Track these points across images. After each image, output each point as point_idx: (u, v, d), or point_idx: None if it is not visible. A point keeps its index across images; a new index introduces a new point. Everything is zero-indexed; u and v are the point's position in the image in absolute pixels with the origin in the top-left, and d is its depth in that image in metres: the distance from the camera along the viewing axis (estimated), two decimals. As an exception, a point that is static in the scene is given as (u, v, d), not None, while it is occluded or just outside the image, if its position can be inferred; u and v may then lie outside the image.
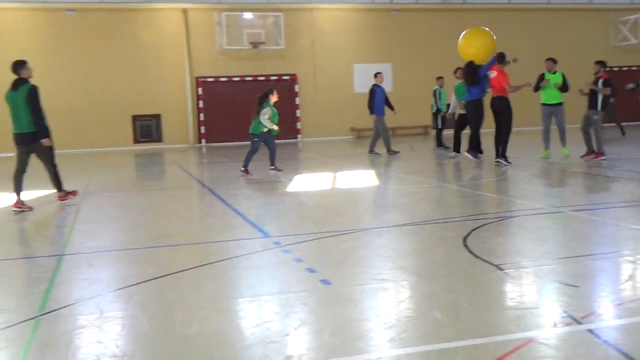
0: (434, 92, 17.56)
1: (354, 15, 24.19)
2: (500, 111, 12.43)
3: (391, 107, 16.12)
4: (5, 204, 9.85)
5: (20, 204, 9.04)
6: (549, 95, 13.13)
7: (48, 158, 9.21)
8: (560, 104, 13.10)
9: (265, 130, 12.20)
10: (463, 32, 13.12)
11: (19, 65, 8.96)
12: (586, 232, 6.64)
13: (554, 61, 13.28)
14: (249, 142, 12.66)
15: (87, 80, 21.80)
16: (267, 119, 12.07)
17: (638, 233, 6.45)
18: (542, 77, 13.21)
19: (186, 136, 23.14)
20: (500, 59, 12.72)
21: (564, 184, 10.56)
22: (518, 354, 3.46)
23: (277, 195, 9.97)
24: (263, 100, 12.12)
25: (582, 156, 13.07)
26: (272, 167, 12.64)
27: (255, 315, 4.30)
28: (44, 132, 8.98)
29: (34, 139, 8.93)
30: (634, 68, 26.21)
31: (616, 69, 26.13)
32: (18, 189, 9.09)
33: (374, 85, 16.14)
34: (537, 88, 13.16)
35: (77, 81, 21.71)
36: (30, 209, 9.09)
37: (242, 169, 12.23)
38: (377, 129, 16.01)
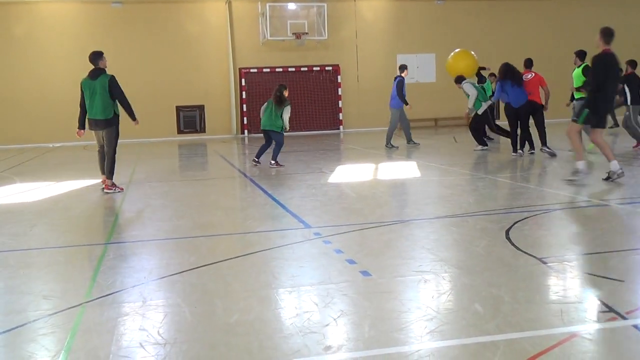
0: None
1: (397, 5, 24.00)
2: (534, 112, 12.71)
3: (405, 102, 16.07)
4: (47, 193, 10.12)
5: (111, 185, 9.84)
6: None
7: (113, 143, 9.79)
8: (580, 98, 12.72)
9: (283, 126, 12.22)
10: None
11: (97, 56, 9.59)
12: (632, 226, 6.49)
13: (578, 54, 12.98)
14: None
15: (133, 72, 22.13)
16: (288, 118, 12.16)
17: (689, 227, 6.28)
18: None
19: (229, 127, 23.35)
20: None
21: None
22: (561, 349, 3.41)
23: (319, 186, 9.99)
24: (282, 98, 12.14)
25: (634, 147, 13.00)
26: (273, 163, 12.42)
27: (295, 305, 4.33)
28: (131, 115, 9.97)
29: (106, 124, 9.62)
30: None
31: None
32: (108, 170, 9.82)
33: (399, 77, 15.91)
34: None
35: (122, 72, 21.79)
36: (122, 189, 9.84)
37: (273, 162, 12.25)
38: (398, 120, 15.91)
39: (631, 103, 13.29)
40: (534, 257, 5.23)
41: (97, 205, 9.20)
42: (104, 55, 9.68)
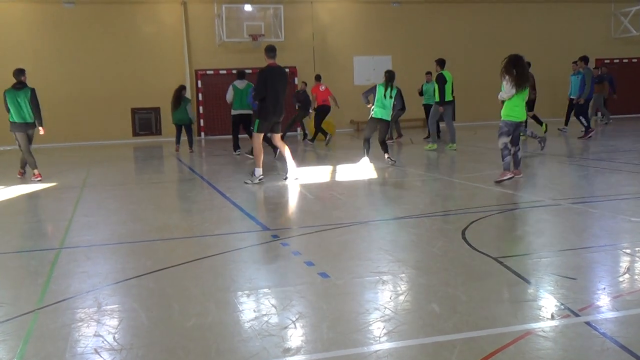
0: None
1: (354, 7, 24.11)
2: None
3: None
4: (6, 195, 9.87)
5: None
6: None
7: (30, 141, 11.67)
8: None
9: None
10: None
11: (20, 73, 11.50)
12: (584, 225, 6.64)
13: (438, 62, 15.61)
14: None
15: (86, 73, 21.73)
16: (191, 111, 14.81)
17: (636, 225, 6.45)
18: None
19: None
20: None
21: (562, 176, 10.54)
22: (516, 347, 3.47)
23: (276, 188, 9.97)
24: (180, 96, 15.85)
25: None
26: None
27: (253, 308, 4.30)
28: (40, 122, 11.70)
29: (33, 126, 11.61)
30: (634, 60, 26.14)
31: (617, 60, 26.10)
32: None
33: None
34: None
35: (76, 74, 21.64)
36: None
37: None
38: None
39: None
40: (490, 256, 5.32)
41: (49, 209, 9.01)
42: (26, 71, 11.69)
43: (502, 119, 9.28)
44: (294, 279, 4.91)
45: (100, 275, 5.24)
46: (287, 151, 10.34)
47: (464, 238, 5.97)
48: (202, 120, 23.12)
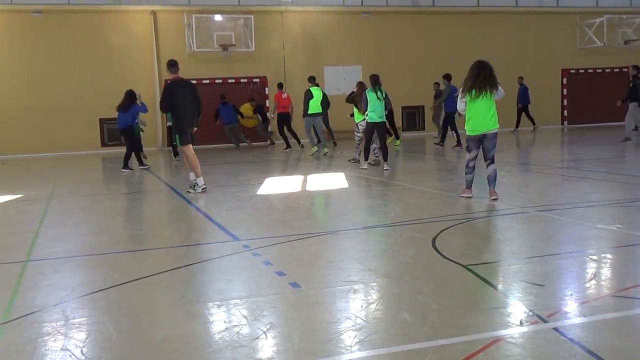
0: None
1: (324, 17, 24.19)
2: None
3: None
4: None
5: None
6: None
7: None
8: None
9: None
10: None
11: None
12: (551, 232, 6.72)
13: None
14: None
15: (55, 83, 21.44)
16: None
17: (602, 232, 6.57)
18: None
19: (155, 139, 22.90)
20: None
21: (529, 185, 10.67)
22: (485, 353, 3.50)
23: (247, 198, 9.94)
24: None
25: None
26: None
27: (224, 319, 4.27)
28: None
29: None
30: (598, 70, 26.65)
31: (582, 71, 26.60)
32: None
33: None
34: None
35: (44, 83, 21.33)
36: None
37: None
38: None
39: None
40: (460, 264, 5.36)
41: (15, 220, 8.84)
42: None
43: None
44: (265, 289, 4.89)
45: (67, 288, 5.16)
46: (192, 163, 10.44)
47: (434, 246, 6.01)
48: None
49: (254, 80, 23.42)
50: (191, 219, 8.32)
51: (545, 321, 3.94)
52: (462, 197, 8.74)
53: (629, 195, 8.83)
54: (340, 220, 8.10)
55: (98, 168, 17.72)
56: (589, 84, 25.93)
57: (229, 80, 22.95)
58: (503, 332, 3.81)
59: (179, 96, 10.06)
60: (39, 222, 8.34)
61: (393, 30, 24.65)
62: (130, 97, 14.81)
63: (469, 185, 8.75)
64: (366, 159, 13.12)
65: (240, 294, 4.86)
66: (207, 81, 22.71)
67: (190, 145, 10.34)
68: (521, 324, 3.94)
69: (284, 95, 19.09)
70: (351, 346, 3.70)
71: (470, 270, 5.16)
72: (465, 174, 8.73)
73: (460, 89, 8.50)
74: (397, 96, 23.39)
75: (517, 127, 23.51)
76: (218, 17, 22.62)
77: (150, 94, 22.62)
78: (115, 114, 15.33)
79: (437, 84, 20.21)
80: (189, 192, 10.27)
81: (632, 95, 16.50)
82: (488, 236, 6.84)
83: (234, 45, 22.67)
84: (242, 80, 23.33)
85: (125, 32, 22.29)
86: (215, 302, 4.61)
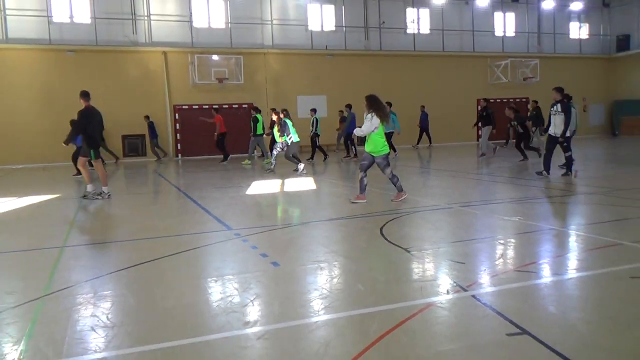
0: (312, 121, 17.97)
1: (297, 58, 24.19)
2: None
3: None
4: (11, 206, 9.41)
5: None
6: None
7: None
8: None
9: None
10: None
11: None
12: (470, 222, 6.82)
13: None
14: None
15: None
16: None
17: (507, 222, 6.67)
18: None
19: (167, 151, 22.59)
20: None
21: (454, 186, 10.80)
22: (421, 315, 3.53)
23: (238, 197, 9.86)
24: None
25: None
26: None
27: (220, 291, 4.23)
28: None
29: None
30: (504, 100, 27.16)
31: (492, 100, 27.05)
32: None
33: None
34: None
35: (77, 107, 20.78)
36: None
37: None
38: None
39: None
40: (401, 247, 5.40)
41: (54, 215, 8.63)
42: None
43: (380, 155, 8.03)
44: (252, 268, 4.86)
45: (96, 268, 5.06)
46: (88, 173, 10.20)
47: (382, 234, 6.04)
48: (178, 145, 22.76)
49: (243, 106, 23.30)
50: (194, 213, 8.22)
51: (465, 290, 3.99)
52: (360, 202, 8.22)
53: (527, 194, 9.01)
54: (309, 213, 8.08)
55: (120, 174, 17.40)
56: (499, 110, 26.38)
57: (224, 106, 22.77)
58: (434, 299, 3.85)
59: (94, 120, 9.84)
60: (73, 216, 8.16)
61: (350, 68, 24.78)
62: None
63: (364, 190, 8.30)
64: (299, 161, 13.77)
65: (232, 271, 4.82)
66: (207, 106, 22.53)
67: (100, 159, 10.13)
68: (447, 292, 3.99)
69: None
70: (319, 311, 3.70)
71: (409, 252, 5.20)
72: (398, 181, 8.41)
73: (373, 115, 7.79)
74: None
75: (417, 143, 23.75)
76: (215, 57, 22.46)
77: (162, 117, 22.37)
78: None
79: (341, 111, 19.70)
80: (97, 198, 9.80)
81: (485, 121, 17.02)
82: (422, 226, 6.89)
83: (227, 78, 22.55)
84: (234, 106, 23.21)
85: (142, 68, 21.97)
86: (213, 278, 4.57)
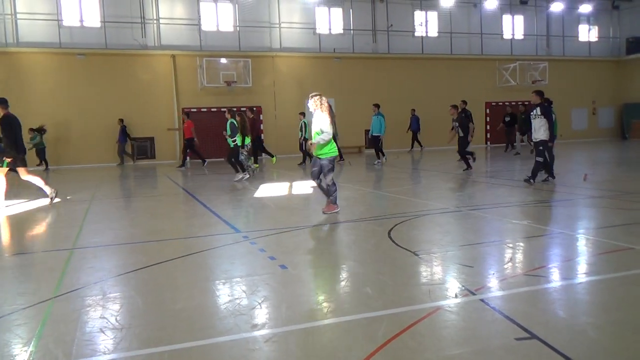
0: (300, 125, 17.89)
1: (305, 61, 24.24)
2: None
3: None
4: (22, 208, 9.48)
5: None
6: None
7: None
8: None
9: None
10: None
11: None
12: (479, 226, 6.78)
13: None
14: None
15: (96, 111, 21.17)
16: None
17: (516, 226, 6.63)
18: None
19: (174, 154, 22.70)
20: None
21: (462, 190, 10.76)
22: (429, 319, 3.51)
23: (246, 199, 9.88)
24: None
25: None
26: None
27: (228, 293, 4.24)
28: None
29: None
30: (513, 103, 27.04)
31: (501, 103, 26.96)
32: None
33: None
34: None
35: (88, 110, 21.03)
36: None
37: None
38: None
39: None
40: (409, 250, 5.38)
41: (65, 217, 8.69)
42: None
43: (327, 157, 7.54)
44: (260, 270, 4.86)
45: (104, 270, 5.09)
46: (37, 180, 10.03)
47: (390, 237, 6.03)
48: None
49: (252, 108, 23.35)
50: (202, 215, 8.24)
51: (474, 294, 3.97)
52: (334, 212, 7.72)
53: (536, 198, 8.95)
54: (317, 217, 8.07)
55: (130, 176, 17.47)
56: (501, 112, 26.26)
57: (232, 109, 22.83)
58: (442, 302, 3.83)
59: (18, 127, 9.57)
60: (83, 218, 8.21)
61: (358, 71, 24.79)
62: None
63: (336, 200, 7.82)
64: (244, 170, 13.47)
65: (240, 273, 4.82)
66: (215, 109, 22.66)
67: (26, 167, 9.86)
68: (456, 296, 3.97)
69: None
70: (326, 314, 3.70)
71: (417, 255, 5.18)
72: (335, 191, 7.82)
73: (329, 121, 7.49)
74: (361, 121, 23.57)
75: (412, 148, 23.73)
76: (223, 60, 22.54)
77: (171, 119, 22.47)
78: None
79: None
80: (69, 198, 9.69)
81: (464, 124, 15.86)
82: (431, 229, 6.86)
83: (235, 81, 22.62)
84: (242, 109, 23.26)
85: (151, 71, 22.10)
86: (221, 280, 4.58)
